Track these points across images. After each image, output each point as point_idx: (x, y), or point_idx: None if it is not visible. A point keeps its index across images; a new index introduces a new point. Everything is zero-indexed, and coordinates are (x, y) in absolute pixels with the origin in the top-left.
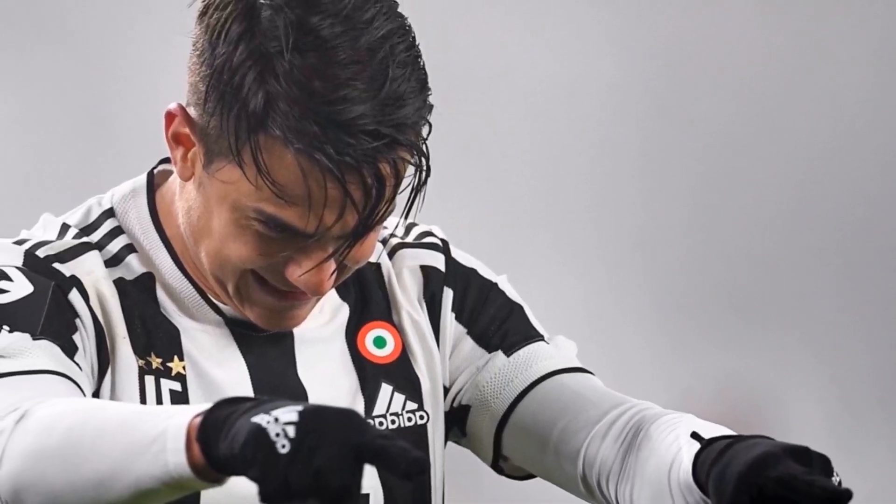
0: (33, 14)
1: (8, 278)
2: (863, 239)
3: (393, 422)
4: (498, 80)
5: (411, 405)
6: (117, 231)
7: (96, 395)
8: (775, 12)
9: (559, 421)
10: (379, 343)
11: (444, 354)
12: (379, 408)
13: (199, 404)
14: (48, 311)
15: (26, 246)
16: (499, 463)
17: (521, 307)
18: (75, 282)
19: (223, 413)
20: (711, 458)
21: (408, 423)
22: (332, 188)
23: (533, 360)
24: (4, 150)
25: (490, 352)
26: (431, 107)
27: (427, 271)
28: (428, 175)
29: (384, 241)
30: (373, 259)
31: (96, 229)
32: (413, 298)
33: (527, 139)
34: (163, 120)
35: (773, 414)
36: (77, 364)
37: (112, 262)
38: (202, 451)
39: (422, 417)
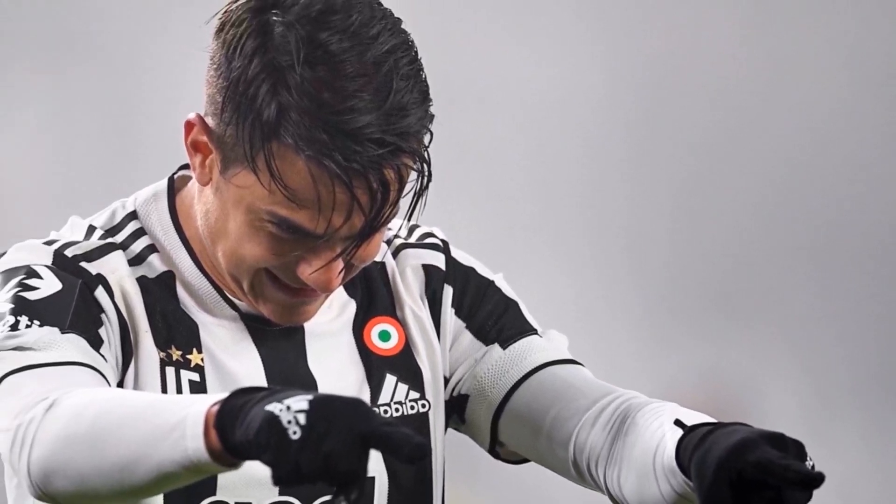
0: (64, 33)
1: (38, 276)
2: (836, 239)
3: (397, 410)
4: (495, 91)
5: (414, 394)
6: (140, 232)
7: (120, 385)
8: (755, 28)
9: (551, 409)
10: (384, 336)
11: (444, 347)
12: (384, 397)
13: (217, 394)
14: (76, 306)
15: (55, 246)
16: (495, 448)
17: (516, 303)
18: (101, 279)
19: (239, 402)
20: (693, 443)
21: (410, 412)
22: (341, 192)
23: (527, 352)
24: (36, 157)
25: (487, 345)
26: (433, 116)
27: (428, 270)
28: (429, 180)
29: (388, 242)
30: (378, 258)
31: (120, 230)
32: (416, 295)
33: (522, 146)
34: (182, 129)
35: (752, 403)
36: (102, 356)
37: (135, 262)
38: (219, 437)
39: (423, 406)
